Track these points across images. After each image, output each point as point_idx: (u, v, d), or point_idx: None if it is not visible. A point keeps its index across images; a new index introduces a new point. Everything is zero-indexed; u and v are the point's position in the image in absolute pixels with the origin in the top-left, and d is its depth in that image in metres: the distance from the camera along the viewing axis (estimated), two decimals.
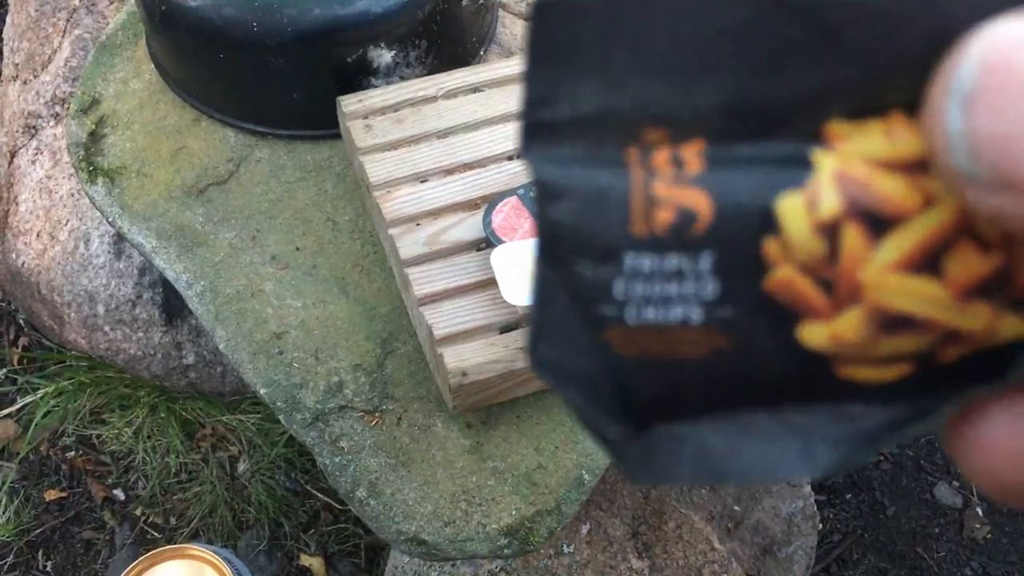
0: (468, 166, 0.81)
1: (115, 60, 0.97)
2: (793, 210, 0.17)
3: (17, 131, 1.28)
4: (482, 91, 0.86)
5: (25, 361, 1.37)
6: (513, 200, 0.77)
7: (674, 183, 0.17)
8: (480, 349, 0.71)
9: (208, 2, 0.83)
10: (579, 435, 0.75)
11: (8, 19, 1.37)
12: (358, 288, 0.82)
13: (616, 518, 1.01)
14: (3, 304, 1.42)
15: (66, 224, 1.20)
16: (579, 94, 0.17)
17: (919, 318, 0.17)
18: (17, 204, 1.26)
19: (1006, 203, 0.14)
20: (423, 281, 0.75)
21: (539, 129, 0.17)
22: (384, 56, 0.86)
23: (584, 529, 0.99)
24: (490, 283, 0.74)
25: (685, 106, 0.17)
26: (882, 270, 0.16)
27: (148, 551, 0.83)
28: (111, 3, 1.26)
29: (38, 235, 1.23)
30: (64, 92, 1.25)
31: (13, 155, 1.28)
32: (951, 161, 0.15)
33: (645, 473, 0.19)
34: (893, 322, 0.17)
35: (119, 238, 1.15)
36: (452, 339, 0.72)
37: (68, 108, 0.98)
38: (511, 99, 0.86)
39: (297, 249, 0.84)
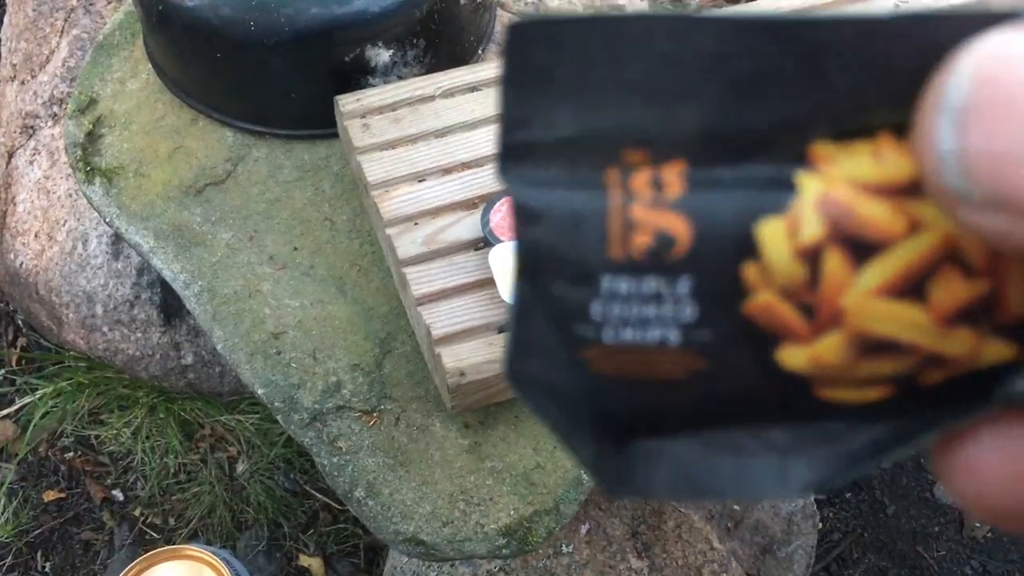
0: (466, 165, 0.81)
1: (112, 60, 0.97)
2: (773, 236, 0.16)
3: (15, 131, 1.28)
4: (480, 90, 0.86)
5: (23, 362, 1.37)
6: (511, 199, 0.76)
7: (653, 207, 0.17)
8: (478, 349, 0.71)
9: (205, 2, 0.83)
10: None
11: (6, 19, 1.37)
12: (356, 288, 0.82)
13: (615, 518, 1.01)
14: (1, 305, 1.42)
15: (64, 224, 1.20)
16: (557, 116, 0.17)
17: (901, 342, 0.17)
18: (15, 204, 1.25)
19: (999, 223, 0.14)
20: (421, 281, 0.75)
21: (516, 151, 0.17)
22: (382, 55, 0.86)
23: (583, 529, 0.99)
24: (488, 283, 0.74)
25: (666, 129, 0.17)
26: (864, 295, 0.16)
27: (147, 552, 0.83)
28: (109, 3, 1.26)
29: (36, 235, 1.23)
30: (62, 92, 1.25)
31: (11, 155, 1.28)
32: (942, 180, 0.14)
33: (622, 487, 0.19)
34: (874, 346, 0.17)
35: (117, 238, 1.15)
36: (450, 339, 0.72)
37: (66, 108, 0.98)
38: None
39: (295, 249, 0.84)
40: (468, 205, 0.79)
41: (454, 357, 0.71)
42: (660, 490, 0.19)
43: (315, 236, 0.85)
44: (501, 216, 0.76)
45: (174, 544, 0.88)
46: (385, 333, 0.80)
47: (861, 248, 0.16)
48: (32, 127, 1.26)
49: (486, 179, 0.80)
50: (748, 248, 0.16)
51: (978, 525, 1.29)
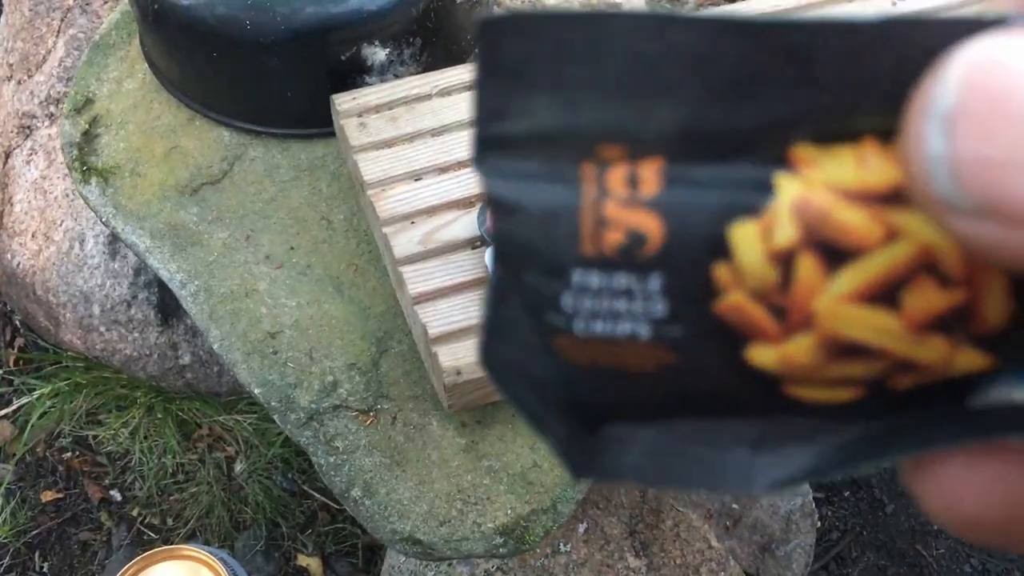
0: (463, 164, 0.81)
1: (109, 60, 0.97)
2: (746, 239, 0.16)
3: (11, 131, 1.27)
4: None
5: (21, 362, 1.37)
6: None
7: (626, 204, 0.17)
8: (475, 348, 0.71)
9: (201, 1, 0.83)
10: None
11: (2, 19, 1.37)
12: (353, 287, 0.82)
13: (613, 517, 1.00)
14: None
15: (61, 224, 1.20)
16: (532, 110, 0.17)
17: (872, 347, 0.17)
18: (12, 205, 1.25)
19: (989, 231, 0.14)
20: (417, 280, 0.75)
21: (492, 143, 0.17)
22: (378, 54, 0.86)
23: (581, 528, 0.99)
24: (485, 281, 0.74)
25: (644, 125, 0.16)
26: (836, 300, 0.16)
27: (145, 552, 0.83)
28: (105, 3, 1.26)
29: (33, 236, 1.22)
30: (59, 92, 1.25)
31: (8, 155, 1.28)
32: (930, 187, 0.14)
33: (589, 469, 0.19)
34: (845, 349, 0.17)
35: (114, 238, 1.15)
36: (447, 338, 0.72)
37: (62, 108, 0.98)
38: None
39: (291, 248, 0.84)
40: (465, 204, 0.79)
41: (451, 356, 0.71)
42: (628, 474, 0.19)
43: (312, 235, 0.85)
44: None
45: (172, 544, 0.88)
46: (382, 332, 0.80)
47: (835, 254, 0.16)
48: (29, 127, 1.26)
49: None
50: (720, 249, 0.16)
51: None
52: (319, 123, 0.88)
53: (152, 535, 1.24)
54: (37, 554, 1.24)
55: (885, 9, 0.91)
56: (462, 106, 0.85)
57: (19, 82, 1.29)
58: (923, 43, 0.15)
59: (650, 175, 0.17)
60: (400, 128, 0.83)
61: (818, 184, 0.16)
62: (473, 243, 0.77)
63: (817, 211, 0.16)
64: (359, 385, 0.77)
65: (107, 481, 1.28)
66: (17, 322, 1.40)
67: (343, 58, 0.85)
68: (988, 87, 0.13)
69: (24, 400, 1.31)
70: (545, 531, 0.73)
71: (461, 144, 0.82)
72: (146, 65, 0.95)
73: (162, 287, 1.15)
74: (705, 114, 0.16)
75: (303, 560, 1.20)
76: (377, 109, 0.84)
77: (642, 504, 1.03)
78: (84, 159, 0.90)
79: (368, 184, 0.80)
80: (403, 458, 0.74)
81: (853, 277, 0.16)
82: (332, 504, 1.23)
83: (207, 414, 1.27)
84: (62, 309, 1.21)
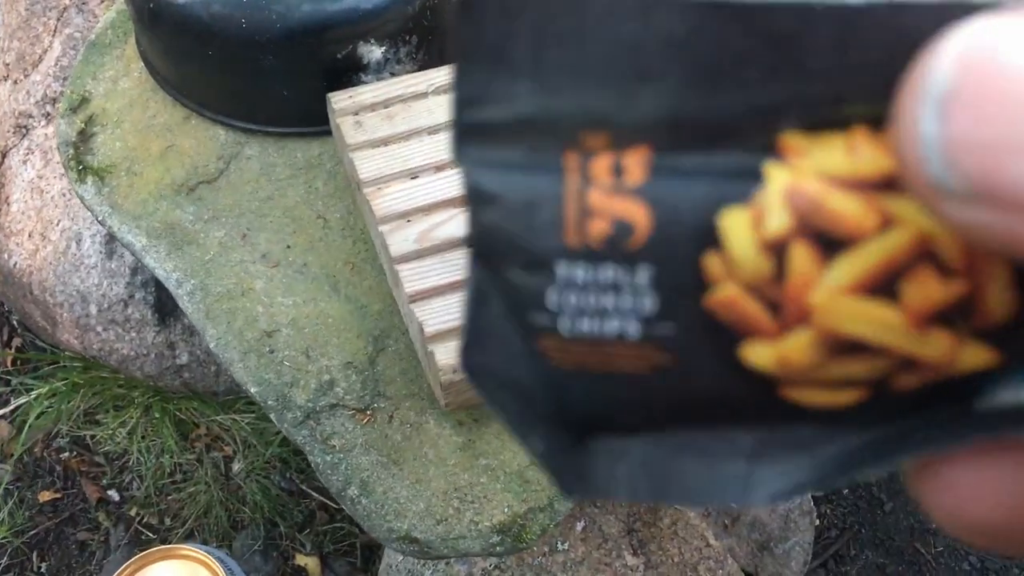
0: None
1: (104, 59, 0.97)
2: (737, 226, 0.16)
3: (8, 131, 1.27)
4: None
5: (18, 362, 1.37)
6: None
7: (611, 193, 0.16)
8: (456, 354, 0.71)
9: None
10: None
11: None
12: (349, 286, 0.82)
13: (611, 515, 1.00)
14: None
15: (58, 224, 1.20)
16: (513, 95, 0.16)
17: (873, 343, 0.16)
18: (8, 204, 1.25)
19: (985, 218, 0.13)
20: (414, 278, 0.75)
21: (472, 131, 0.16)
22: (374, 52, 0.85)
23: (579, 526, 0.99)
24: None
25: (628, 113, 0.16)
26: (833, 293, 0.16)
27: (142, 552, 0.83)
28: (101, 2, 1.26)
29: (30, 235, 1.22)
30: (55, 92, 1.24)
31: (4, 155, 1.27)
32: (923, 171, 0.14)
33: (579, 486, 0.18)
34: (845, 346, 0.16)
35: (111, 238, 1.15)
36: (443, 336, 0.72)
37: (58, 107, 0.98)
38: None
39: (288, 247, 0.84)
40: (461, 202, 0.79)
41: (447, 354, 0.71)
42: (620, 491, 0.18)
43: (308, 234, 0.84)
44: None
45: (170, 544, 0.88)
46: (378, 331, 0.80)
47: (830, 243, 0.15)
48: (25, 127, 1.26)
49: None
50: (710, 238, 0.16)
51: None
52: (315, 122, 0.88)
53: (150, 535, 1.23)
54: (35, 554, 1.23)
55: None
56: None
57: (15, 82, 1.29)
58: (914, 27, 0.15)
59: (635, 164, 0.16)
60: (396, 126, 0.83)
61: (808, 172, 0.15)
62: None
63: (809, 198, 0.15)
64: (355, 384, 0.77)
65: (105, 481, 1.28)
66: (14, 322, 1.40)
67: (339, 56, 0.84)
68: (984, 69, 0.13)
69: (22, 400, 1.31)
70: (542, 529, 0.73)
71: None
72: (142, 64, 0.95)
73: (159, 286, 1.15)
74: (690, 101, 0.16)
75: (301, 559, 1.20)
76: (373, 107, 0.84)
77: (640, 503, 1.03)
78: (80, 158, 0.90)
79: (364, 182, 0.80)
80: (400, 456, 0.74)
81: (849, 267, 0.15)
82: (330, 503, 1.23)
83: (205, 414, 1.26)
84: (59, 309, 1.20)
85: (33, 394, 1.29)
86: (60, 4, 1.27)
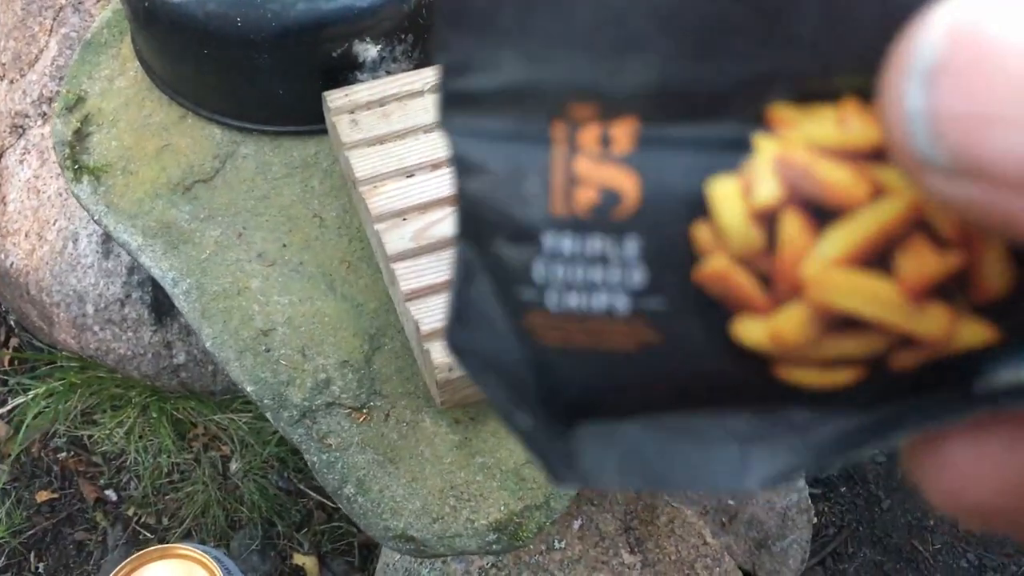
0: None
1: (100, 58, 0.97)
2: (726, 195, 0.15)
3: (4, 131, 1.27)
4: None
5: (16, 362, 1.37)
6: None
7: (599, 161, 0.16)
8: (443, 334, 0.71)
9: None
10: None
11: None
12: (345, 284, 0.82)
13: (608, 513, 1.00)
14: None
15: (54, 224, 1.20)
16: (499, 63, 0.16)
17: (868, 319, 0.15)
18: (5, 204, 1.25)
19: (971, 193, 0.13)
20: (410, 276, 0.74)
21: (457, 99, 0.16)
22: (370, 51, 0.85)
23: (576, 524, 0.99)
24: None
25: (615, 82, 0.16)
26: (826, 265, 0.15)
27: (139, 551, 0.83)
28: (97, 1, 1.26)
29: (26, 235, 1.22)
30: (51, 91, 1.24)
31: (0, 155, 1.27)
32: (909, 144, 0.13)
33: (569, 473, 0.17)
34: (839, 322, 0.15)
35: (107, 237, 1.15)
36: (439, 334, 0.72)
37: (55, 107, 0.98)
38: None
39: (284, 246, 0.84)
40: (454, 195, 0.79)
41: (443, 352, 0.71)
42: (610, 477, 0.17)
43: (304, 233, 0.84)
44: None
45: (168, 544, 0.88)
46: (374, 329, 0.79)
47: (821, 213, 0.15)
48: (22, 126, 1.26)
49: None
50: (700, 208, 0.15)
51: None
52: (311, 120, 0.88)
53: (148, 535, 1.23)
54: (32, 554, 1.23)
55: None
56: None
57: (12, 81, 1.29)
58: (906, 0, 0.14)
59: (623, 135, 0.16)
60: (392, 125, 0.83)
61: (798, 143, 0.15)
62: None
63: (798, 167, 0.15)
64: (352, 382, 0.77)
65: (102, 481, 1.28)
66: (11, 322, 1.40)
67: (335, 55, 0.84)
68: (972, 42, 0.13)
69: (19, 400, 1.31)
70: (538, 527, 0.73)
71: None
72: (138, 63, 0.95)
73: (155, 286, 1.15)
74: (679, 70, 0.15)
75: (299, 559, 1.20)
76: (369, 106, 0.84)
77: (637, 500, 1.02)
78: (76, 158, 0.90)
79: (360, 181, 0.80)
80: (396, 455, 0.74)
81: (842, 238, 0.15)
82: (328, 503, 1.23)
83: (202, 413, 1.26)
84: (56, 309, 1.20)
85: (30, 394, 1.29)
86: (56, 3, 1.27)
